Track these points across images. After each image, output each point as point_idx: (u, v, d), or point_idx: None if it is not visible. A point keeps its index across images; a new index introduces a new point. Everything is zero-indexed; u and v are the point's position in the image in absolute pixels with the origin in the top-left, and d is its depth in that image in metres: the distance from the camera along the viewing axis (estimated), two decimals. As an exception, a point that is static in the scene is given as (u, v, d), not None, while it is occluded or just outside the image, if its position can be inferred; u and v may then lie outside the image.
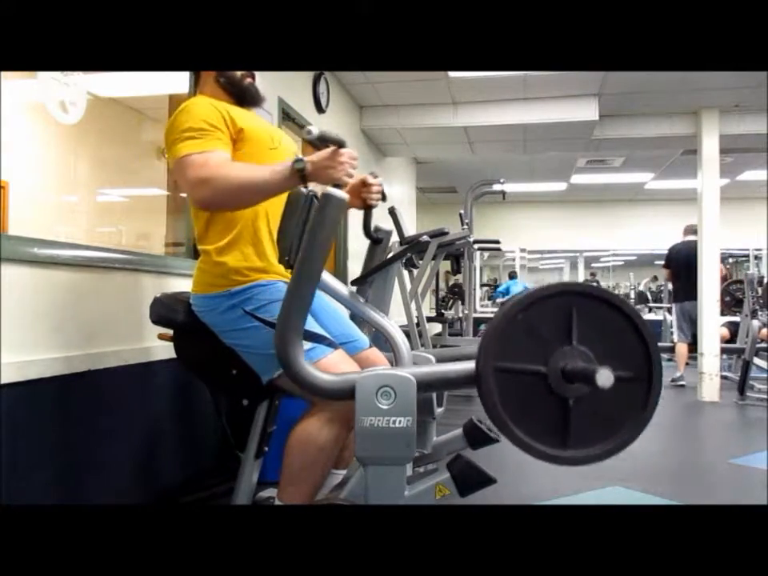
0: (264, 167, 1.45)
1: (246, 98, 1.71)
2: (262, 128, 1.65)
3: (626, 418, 1.17)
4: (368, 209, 1.65)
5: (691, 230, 6.03)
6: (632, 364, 1.16)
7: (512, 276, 8.49)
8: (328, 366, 1.47)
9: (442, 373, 1.36)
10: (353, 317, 1.86)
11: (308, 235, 1.30)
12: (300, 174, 1.38)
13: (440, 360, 1.62)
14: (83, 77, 2.32)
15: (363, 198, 1.64)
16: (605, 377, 1.06)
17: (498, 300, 7.78)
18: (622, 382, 1.12)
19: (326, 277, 1.56)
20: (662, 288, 8.89)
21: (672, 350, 6.14)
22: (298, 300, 1.33)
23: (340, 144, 1.37)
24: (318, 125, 4.44)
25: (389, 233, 1.75)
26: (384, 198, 1.68)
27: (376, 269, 1.69)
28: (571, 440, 1.15)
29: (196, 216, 1.62)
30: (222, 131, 1.51)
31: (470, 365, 1.25)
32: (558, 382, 1.14)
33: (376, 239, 1.73)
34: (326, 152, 1.38)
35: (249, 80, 1.70)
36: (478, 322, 6.00)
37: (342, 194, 1.29)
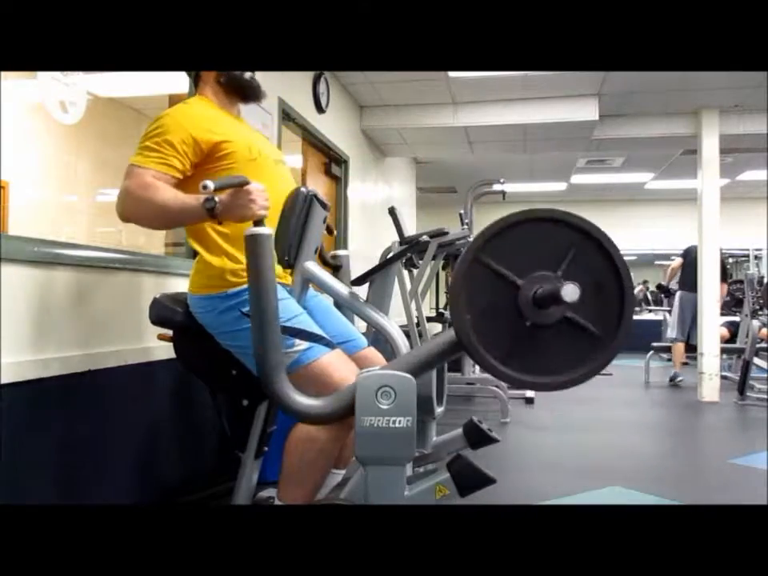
0: (183, 199, 1.47)
1: (248, 94, 1.73)
2: (242, 140, 1.65)
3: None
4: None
5: None
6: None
7: None
8: (325, 366, 1.48)
9: (426, 350, 1.36)
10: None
11: (251, 275, 1.36)
12: (210, 213, 1.40)
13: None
14: (83, 77, 2.32)
15: None
16: (570, 290, 1.07)
17: None
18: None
19: (326, 277, 1.56)
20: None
21: (669, 349, 6.15)
22: (264, 322, 1.36)
23: (240, 183, 1.39)
24: (318, 125, 4.38)
25: (346, 257, 1.88)
26: (330, 232, 1.75)
27: (376, 269, 1.69)
28: (540, 364, 1.19)
29: None
30: (177, 152, 1.53)
31: (450, 332, 1.26)
32: (528, 306, 1.15)
33: (335, 266, 1.84)
34: (231, 191, 1.40)
35: (249, 74, 1.70)
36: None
37: (261, 230, 1.34)
